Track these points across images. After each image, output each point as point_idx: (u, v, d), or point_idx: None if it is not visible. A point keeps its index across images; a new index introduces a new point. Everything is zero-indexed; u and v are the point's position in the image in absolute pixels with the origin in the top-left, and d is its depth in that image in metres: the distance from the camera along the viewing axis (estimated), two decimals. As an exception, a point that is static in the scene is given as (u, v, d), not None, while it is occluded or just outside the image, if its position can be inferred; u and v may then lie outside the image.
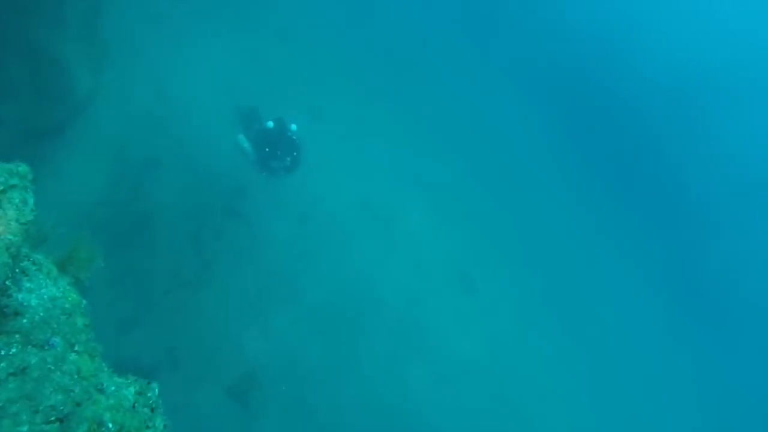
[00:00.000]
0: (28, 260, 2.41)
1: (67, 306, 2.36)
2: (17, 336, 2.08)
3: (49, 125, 8.35)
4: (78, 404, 2.02)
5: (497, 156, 23.80)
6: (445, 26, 25.27)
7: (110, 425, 2.11)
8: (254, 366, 11.29)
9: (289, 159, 10.17)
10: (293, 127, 10.46)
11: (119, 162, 10.22)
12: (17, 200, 2.40)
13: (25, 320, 2.15)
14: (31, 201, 2.49)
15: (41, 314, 2.22)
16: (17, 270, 2.27)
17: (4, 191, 2.35)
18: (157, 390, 2.60)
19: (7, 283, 2.12)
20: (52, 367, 2.06)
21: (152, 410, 2.51)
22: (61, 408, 1.96)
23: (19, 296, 2.23)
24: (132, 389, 2.47)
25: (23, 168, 2.54)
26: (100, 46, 9.18)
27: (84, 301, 2.53)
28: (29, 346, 2.07)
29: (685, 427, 21.74)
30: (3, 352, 1.99)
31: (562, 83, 29.93)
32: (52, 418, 1.94)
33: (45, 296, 2.33)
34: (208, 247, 11.20)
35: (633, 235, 29.78)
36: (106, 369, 2.44)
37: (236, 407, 10.69)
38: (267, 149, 10.14)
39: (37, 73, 7.82)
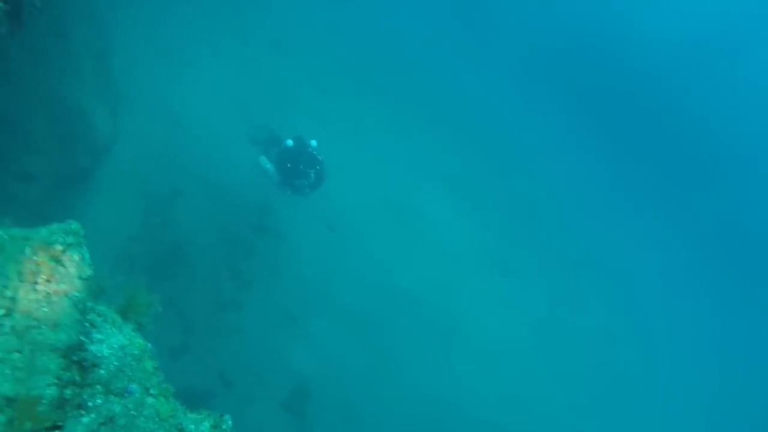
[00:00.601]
0: (94, 313, 2.51)
1: (135, 352, 2.46)
2: (98, 387, 2.18)
3: (77, 172, 8.57)
4: (165, 445, 2.12)
5: (510, 137, 23.63)
6: (439, 13, 25.07)
7: (197, 461, 2.20)
8: (303, 378, 11.46)
9: (313, 175, 10.13)
10: (313, 143, 10.46)
11: (146, 197, 10.47)
12: (76, 257, 2.50)
13: (102, 371, 2.25)
14: (87, 256, 2.59)
15: (115, 363, 2.32)
16: (87, 324, 2.38)
17: (63, 251, 2.46)
18: (230, 422, 2.69)
19: (81, 338, 2.22)
20: (135, 413, 2.16)
21: (229, 440, 2.60)
22: (151, 451, 2.07)
23: (93, 348, 2.34)
24: (207, 424, 2.56)
25: (75, 225, 2.64)
26: (114, 88, 9.40)
27: (149, 345, 2.63)
28: (111, 395, 2.17)
29: (725, 389, 21.24)
30: (90, 404, 2.09)
31: (568, 55, 29.49)
32: (146, 462, 2.04)
33: (115, 345, 2.43)
34: (243, 267, 11.40)
35: (662, 200, 29.31)
36: (180, 407, 2.53)
37: (293, 420, 10.87)
38: (288, 165, 10.15)
39: (57, 124, 8.04)
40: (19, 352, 2.05)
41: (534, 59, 28.04)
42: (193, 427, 2.37)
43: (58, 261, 2.42)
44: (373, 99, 19.07)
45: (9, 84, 7.43)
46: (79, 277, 2.42)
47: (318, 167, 10.28)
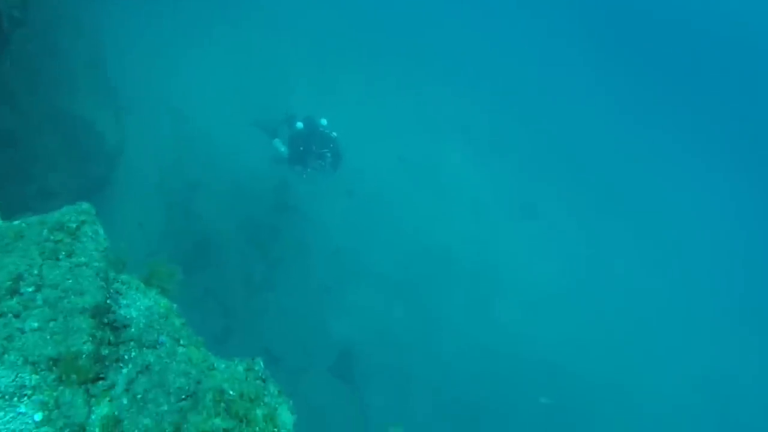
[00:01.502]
0: (118, 282, 2.68)
1: (162, 310, 2.63)
2: (132, 343, 2.36)
3: (94, 182, 8.83)
4: (198, 382, 2.29)
5: (522, 78, 23.13)
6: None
7: (231, 392, 2.38)
8: (347, 344, 11.73)
9: (329, 154, 9.88)
10: (323, 121, 10.24)
11: (164, 195, 10.71)
12: (90, 233, 2.66)
13: (132, 329, 2.43)
14: (101, 231, 2.76)
15: (144, 321, 2.49)
16: (112, 291, 2.55)
17: (78, 228, 2.62)
18: (262, 364, 2.86)
19: (108, 302, 2.39)
20: (168, 360, 2.33)
21: (263, 380, 2.77)
22: (186, 387, 2.24)
23: (121, 311, 2.51)
24: (240, 367, 2.74)
25: (86, 205, 2.81)
26: (112, 93, 9.57)
27: (174, 305, 2.79)
28: (143, 348, 2.34)
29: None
30: (127, 357, 2.27)
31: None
32: (183, 396, 2.22)
33: (141, 307, 2.60)
34: (270, 247, 11.64)
35: (688, 120, 28.51)
36: (212, 356, 2.71)
37: (342, 385, 11.21)
38: (301, 148, 9.90)
39: (65, 138, 8.26)
40: (54, 320, 2.22)
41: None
42: (224, 366, 2.54)
43: (74, 237, 2.59)
44: (378, 61, 18.84)
45: (12, 107, 7.65)
46: (96, 249, 2.59)
47: (332, 145, 9.98)
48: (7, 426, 1.94)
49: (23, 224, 2.63)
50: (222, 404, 2.38)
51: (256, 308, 11.01)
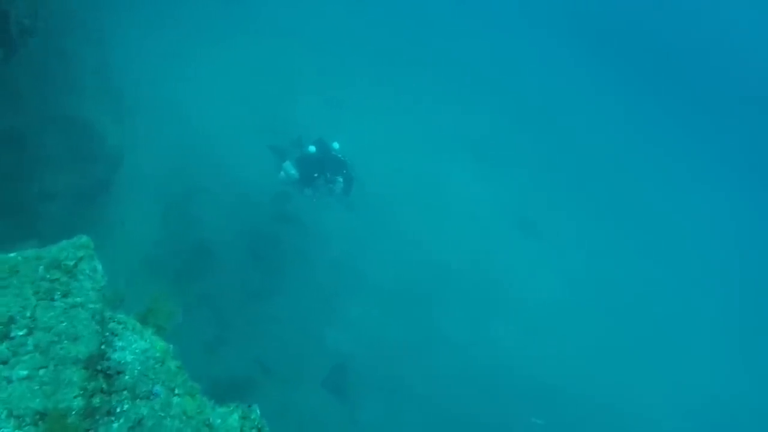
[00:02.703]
0: (114, 321, 2.59)
1: (157, 354, 2.53)
2: (125, 392, 2.27)
3: (95, 185, 8.75)
4: (193, 441, 2.20)
5: (524, 95, 23.10)
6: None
7: (226, 452, 2.28)
8: (341, 357, 11.60)
9: (341, 179, 9.71)
10: (335, 145, 10.06)
11: (164, 198, 10.61)
12: (88, 270, 2.57)
13: (127, 377, 2.33)
14: (99, 267, 2.66)
15: (138, 368, 2.39)
16: (107, 333, 2.45)
17: (75, 265, 2.52)
18: (258, 411, 2.76)
19: (102, 347, 2.30)
20: (162, 414, 2.23)
21: (259, 430, 2.67)
22: (180, 448, 2.14)
23: (115, 356, 2.41)
24: (236, 415, 2.64)
25: (84, 239, 2.71)
26: (117, 97, 9.49)
27: (171, 346, 2.70)
28: (137, 399, 2.25)
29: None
30: (119, 410, 2.18)
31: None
32: (176, 459, 2.12)
33: (137, 350, 2.51)
34: (268, 256, 11.53)
35: (691, 133, 28.47)
36: (208, 403, 2.61)
37: (335, 399, 11.07)
38: (316, 174, 9.72)
39: (68, 140, 8.18)
40: (45, 367, 2.13)
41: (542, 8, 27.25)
42: (219, 421, 2.44)
43: (71, 275, 2.49)
44: (382, 76, 18.79)
45: (17, 108, 7.57)
46: (93, 289, 2.50)
47: (345, 171, 9.81)
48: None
49: (19, 258, 2.53)
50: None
51: (250, 317, 10.88)
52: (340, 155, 9.95)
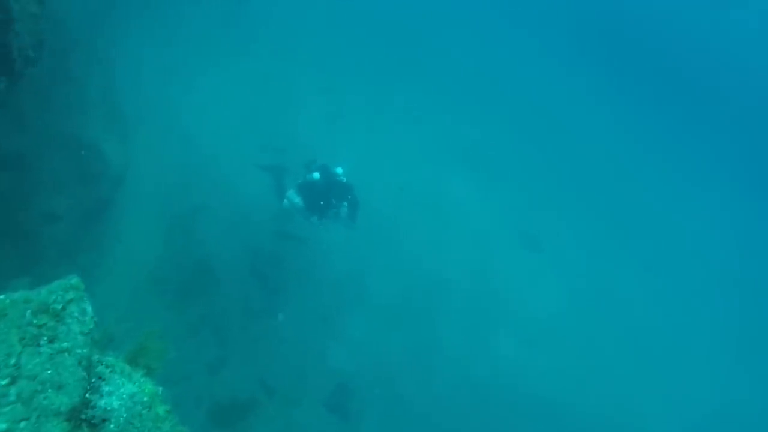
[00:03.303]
0: (101, 365, 2.55)
1: (145, 399, 2.49)
2: (109, 443, 2.22)
3: (98, 205, 8.77)
4: (177, 497, 2.15)
5: (526, 108, 23.12)
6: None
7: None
8: (344, 376, 11.54)
9: (346, 204, 9.64)
10: (339, 170, 10.01)
11: (166, 218, 10.63)
12: (77, 313, 2.54)
13: (112, 425, 2.29)
14: (89, 309, 2.63)
15: (124, 415, 2.35)
16: (93, 379, 2.42)
17: (63, 308, 2.50)
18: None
19: (87, 395, 2.26)
20: (147, 464, 2.19)
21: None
22: (163, 505, 2.10)
23: (102, 402, 2.38)
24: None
25: (75, 280, 2.68)
26: (121, 116, 9.56)
27: (160, 388, 2.66)
28: (121, 451, 2.20)
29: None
30: (100, 464, 2.14)
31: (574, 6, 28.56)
32: None
33: (124, 395, 2.47)
34: (270, 275, 11.51)
35: (690, 146, 28.39)
36: (197, 447, 2.56)
37: (337, 419, 10.99)
38: (322, 202, 9.67)
39: (72, 161, 8.22)
40: (26, 419, 2.09)
41: (540, 16, 27.32)
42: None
43: (59, 319, 2.46)
44: (381, 92, 18.88)
45: (21, 129, 7.62)
46: (81, 333, 2.46)
47: (350, 196, 9.74)
48: None
49: (7, 301, 2.50)
50: None
51: (252, 337, 10.84)
52: (344, 179, 9.88)
